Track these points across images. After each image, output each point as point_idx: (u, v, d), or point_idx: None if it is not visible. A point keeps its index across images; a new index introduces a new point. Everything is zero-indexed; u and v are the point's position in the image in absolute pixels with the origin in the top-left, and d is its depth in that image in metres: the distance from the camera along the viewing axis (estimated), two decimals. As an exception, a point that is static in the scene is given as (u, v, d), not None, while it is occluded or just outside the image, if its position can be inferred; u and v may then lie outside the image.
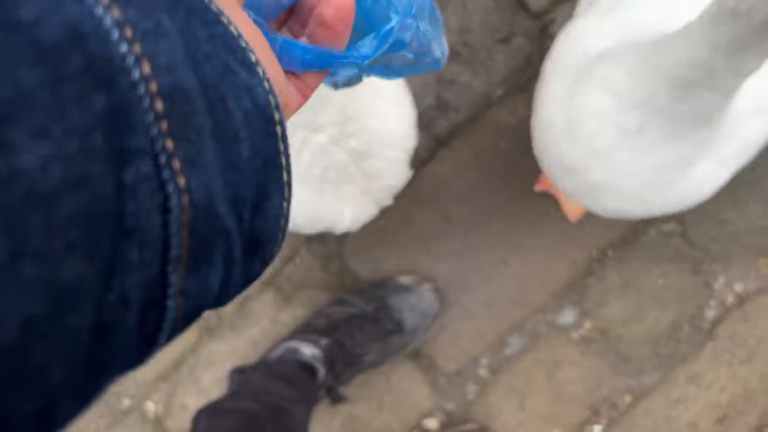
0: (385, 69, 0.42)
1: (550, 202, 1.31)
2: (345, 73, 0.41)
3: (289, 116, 0.33)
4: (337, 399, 1.15)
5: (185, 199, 0.21)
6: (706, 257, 1.30)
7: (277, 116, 0.26)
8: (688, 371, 1.29)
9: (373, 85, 0.92)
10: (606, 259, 1.31)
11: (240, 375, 1.07)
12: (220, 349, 1.29)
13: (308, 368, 1.08)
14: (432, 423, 1.28)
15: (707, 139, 0.74)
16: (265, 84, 0.26)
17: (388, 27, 0.37)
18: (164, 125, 0.20)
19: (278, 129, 0.26)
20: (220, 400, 1.01)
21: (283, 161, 0.27)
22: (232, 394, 1.04)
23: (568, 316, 1.30)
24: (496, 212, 1.31)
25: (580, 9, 1.00)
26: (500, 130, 1.32)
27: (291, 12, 0.36)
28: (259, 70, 0.26)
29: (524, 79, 1.34)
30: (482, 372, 1.29)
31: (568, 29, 0.87)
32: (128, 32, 0.20)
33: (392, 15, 0.37)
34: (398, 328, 1.19)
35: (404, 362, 1.28)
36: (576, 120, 0.76)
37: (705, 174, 0.78)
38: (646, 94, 0.68)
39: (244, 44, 0.26)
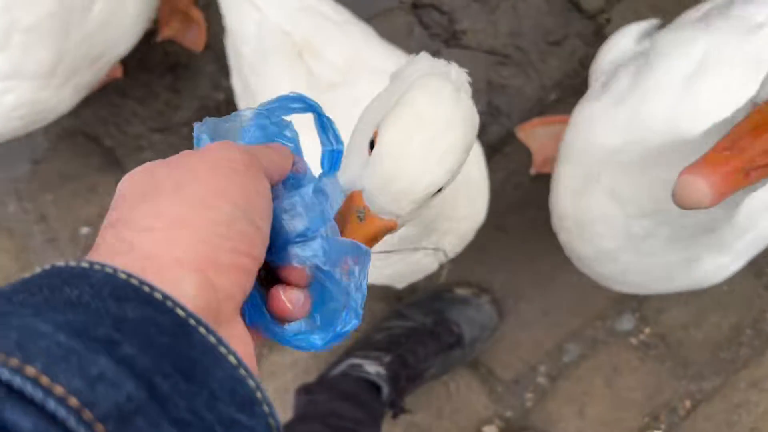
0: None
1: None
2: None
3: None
4: (399, 411, 1.16)
5: None
6: (769, 260, 1.27)
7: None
8: (750, 376, 1.28)
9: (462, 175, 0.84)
10: (665, 264, 1.29)
11: (306, 395, 1.09)
12: (282, 360, 1.31)
13: (373, 386, 1.10)
14: (491, 430, 1.29)
15: (715, 243, 0.75)
16: (264, 409, 0.29)
17: (347, 329, 0.39)
18: None
19: None
20: (289, 424, 1.03)
21: None
22: (300, 417, 1.06)
23: (626, 322, 1.30)
24: (551, 219, 1.30)
25: (592, 85, 0.99)
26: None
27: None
28: (256, 395, 0.28)
29: (579, 82, 1.30)
30: (540, 379, 1.30)
31: (581, 110, 0.88)
32: None
33: (352, 319, 0.39)
34: (458, 341, 1.20)
35: (462, 371, 1.29)
36: (584, 220, 0.78)
37: (714, 267, 0.80)
38: (653, 205, 0.68)
39: (243, 373, 0.28)
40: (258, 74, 0.89)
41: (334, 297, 0.39)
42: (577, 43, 1.31)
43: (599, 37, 1.30)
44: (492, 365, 1.29)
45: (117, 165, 1.37)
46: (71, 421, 0.22)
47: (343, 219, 0.44)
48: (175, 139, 1.36)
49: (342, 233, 0.42)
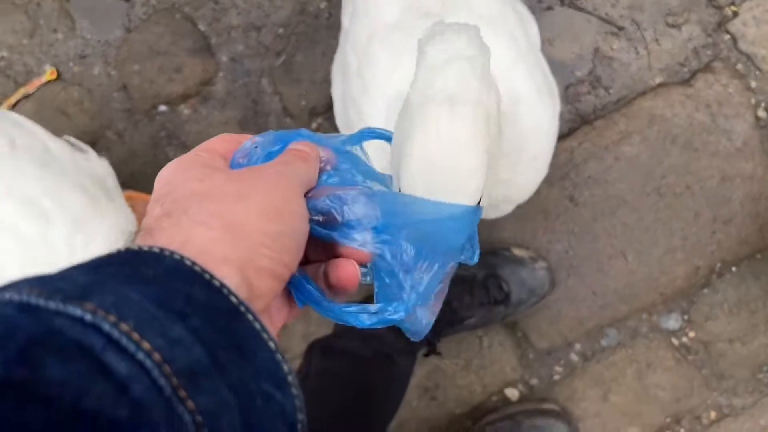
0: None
1: (686, 207, 1.26)
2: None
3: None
4: (432, 352, 1.17)
5: None
6: (834, 294, 1.24)
7: (300, 417, 0.33)
8: (783, 403, 1.26)
9: None
10: (728, 273, 1.26)
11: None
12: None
13: (415, 322, 1.10)
14: (513, 393, 1.30)
15: None
16: (293, 391, 0.33)
17: (394, 317, 0.41)
18: None
19: (299, 427, 0.33)
20: (331, 337, 1.05)
21: None
22: (339, 333, 1.07)
23: (673, 322, 1.28)
24: (626, 203, 1.27)
25: None
26: (652, 121, 1.26)
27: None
28: (288, 378, 0.33)
29: (688, 73, 1.26)
30: (573, 356, 1.29)
31: None
32: (198, 418, 0.27)
33: (401, 311, 0.41)
34: (505, 299, 1.19)
35: (498, 329, 1.29)
36: None
37: None
38: None
39: (279, 357, 0.33)
40: None
41: (387, 285, 0.41)
42: (697, 30, 1.26)
43: (720, 30, 1.25)
44: (529, 331, 1.29)
45: (208, 51, 1.37)
46: (155, 372, 0.27)
47: None
48: (269, 38, 1.35)
49: None
